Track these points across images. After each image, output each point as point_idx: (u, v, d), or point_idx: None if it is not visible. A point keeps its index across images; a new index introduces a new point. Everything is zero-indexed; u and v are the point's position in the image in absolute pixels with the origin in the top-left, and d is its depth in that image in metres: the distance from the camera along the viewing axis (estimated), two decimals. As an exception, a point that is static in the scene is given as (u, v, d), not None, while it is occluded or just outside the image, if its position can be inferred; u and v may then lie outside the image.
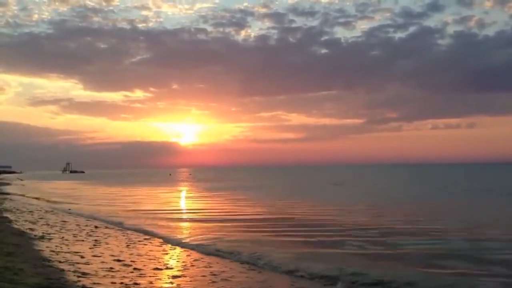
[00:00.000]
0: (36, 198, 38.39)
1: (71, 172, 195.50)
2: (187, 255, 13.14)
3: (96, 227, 18.86)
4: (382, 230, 17.40)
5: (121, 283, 9.34)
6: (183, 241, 15.53)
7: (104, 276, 9.88)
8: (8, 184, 70.45)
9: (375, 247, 14.06)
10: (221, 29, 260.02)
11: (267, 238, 15.90)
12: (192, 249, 14.13)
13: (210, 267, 11.43)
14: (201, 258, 12.72)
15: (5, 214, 22.42)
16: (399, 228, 18.14)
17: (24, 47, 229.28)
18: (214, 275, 10.47)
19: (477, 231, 17.50)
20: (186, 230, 18.66)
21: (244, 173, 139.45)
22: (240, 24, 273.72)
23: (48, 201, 35.65)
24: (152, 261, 11.95)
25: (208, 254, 13.29)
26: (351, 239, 15.25)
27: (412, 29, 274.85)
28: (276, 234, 16.78)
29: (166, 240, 15.74)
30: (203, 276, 10.38)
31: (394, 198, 34.43)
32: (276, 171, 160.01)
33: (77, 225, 19.51)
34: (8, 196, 38.64)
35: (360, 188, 52.00)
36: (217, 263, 12.07)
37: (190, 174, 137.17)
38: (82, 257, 11.95)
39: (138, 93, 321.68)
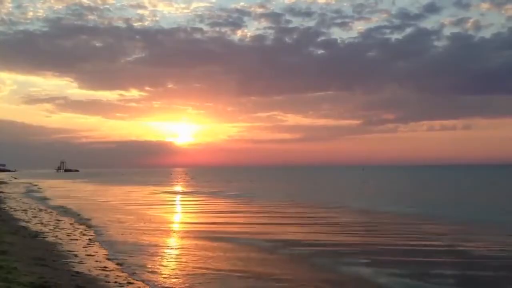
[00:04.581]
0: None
1: (65, 170, 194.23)
2: (182, 253, 13.20)
3: (89, 226, 18.83)
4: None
5: (115, 282, 9.38)
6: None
7: (98, 275, 9.92)
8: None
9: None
10: (217, 29, 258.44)
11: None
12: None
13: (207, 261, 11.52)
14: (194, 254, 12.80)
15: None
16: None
17: (19, 44, 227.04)
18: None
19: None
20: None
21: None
22: (237, 24, 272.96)
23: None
24: (146, 259, 11.97)
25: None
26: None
27: (408, 30, 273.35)
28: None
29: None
30: (198, 274, 10.45)
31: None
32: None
33: (71, 224, 19.50)
34: (4, 195, 38.46)
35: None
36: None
37: (186, 174, 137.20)
38: (76, 256, 11.98)
39: (134, 92, 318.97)
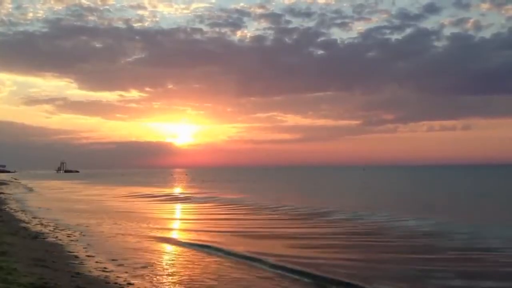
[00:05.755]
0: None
1: (65, 171, 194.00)
2: (183, 254, 13.19)
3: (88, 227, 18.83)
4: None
5: (115, 283, 9.37)
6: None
7: (98, 276, 9.91)
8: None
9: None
10: (217, 29, 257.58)
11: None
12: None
13: (206, 266, 11.49)
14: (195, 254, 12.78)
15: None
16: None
17: (18, 45, 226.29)
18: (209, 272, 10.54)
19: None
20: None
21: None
22: (236, 24, 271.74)
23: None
24: (146, 260, 11.97)
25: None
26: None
27: (408, 30, 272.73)
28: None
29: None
30: (198, 273, 10.43)
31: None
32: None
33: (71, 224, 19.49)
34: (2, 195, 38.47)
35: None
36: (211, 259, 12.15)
37: (186, 175, 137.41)
38: (76, 257, 11.97)
39: (134, 93, 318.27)
